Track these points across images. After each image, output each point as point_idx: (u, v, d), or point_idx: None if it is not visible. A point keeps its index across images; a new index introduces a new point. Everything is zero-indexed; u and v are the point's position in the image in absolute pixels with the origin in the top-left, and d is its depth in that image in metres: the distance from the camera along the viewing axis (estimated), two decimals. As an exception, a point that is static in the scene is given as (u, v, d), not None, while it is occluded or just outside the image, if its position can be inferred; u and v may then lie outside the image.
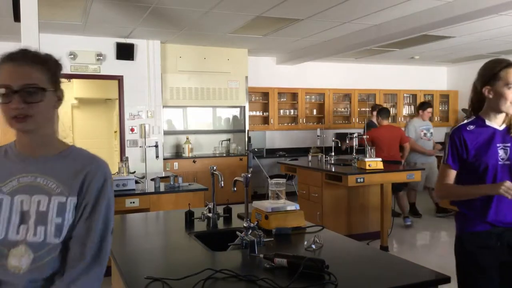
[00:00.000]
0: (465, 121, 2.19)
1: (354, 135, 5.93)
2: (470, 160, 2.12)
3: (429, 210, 7.50)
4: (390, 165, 5.82)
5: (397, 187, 6.22)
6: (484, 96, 2.12)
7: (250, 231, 2.09)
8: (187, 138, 7.76)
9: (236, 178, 2.34)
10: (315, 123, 9.10)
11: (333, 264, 1.75)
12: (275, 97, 8.69)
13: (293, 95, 8.98)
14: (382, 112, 6.49)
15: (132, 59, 6.95)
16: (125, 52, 6.85)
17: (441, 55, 8.64)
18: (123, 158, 5.98)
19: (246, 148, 7.40)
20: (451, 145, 2.17)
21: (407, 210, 6.47)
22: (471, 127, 2.16)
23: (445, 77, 10.58)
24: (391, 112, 9.91)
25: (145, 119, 7.10)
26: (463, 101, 9.96)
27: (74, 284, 1.31)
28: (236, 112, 8.19)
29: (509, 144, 2.11)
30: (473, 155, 2.12)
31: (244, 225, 2.12)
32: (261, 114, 8.79)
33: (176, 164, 7.34)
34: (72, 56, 6.62)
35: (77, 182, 1.39)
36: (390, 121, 6.72)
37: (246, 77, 7.98)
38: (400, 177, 5.48)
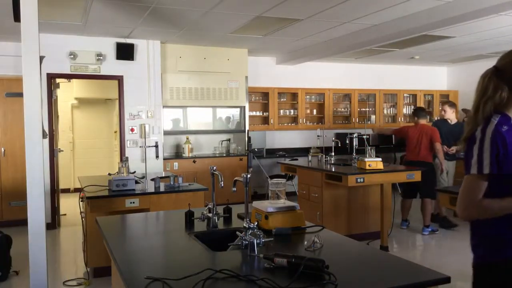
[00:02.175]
0: (494, 120, 1.79)
1: (354, 135, 5.93)
2: (506, 166, 1.73)
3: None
4: (408, 166, 5.78)
5: (428, 194, 5.96)
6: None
7: (250, 231, 2.09)
8: (187, 138, 7.76)
9: (236, 178, 2.34)
10: (315, 123, 9.10)
11: (333, 264, 1.75)
12: (275, 97, 8.69)
13: (293, 95, 8.98)
14: (415, 111, 6.35)
15: (132, 59, 6.95)
16: (125, 52, 6.85)
17: (441, 55, 8.64)
18: (123, 158, 5.99)
19: (246, 148, 7.39)
20: (492, 149, 1.73)
21: (429, 219, 6.11)
22: (505, 127, 1.76)
23: (445, 77, 10.58)
24: (390, 112, 9.93)
25: (145, 119, 7.10)
26: (463, 101, 9.95)
27: None
28: (236, 112, 8.19)
29: None
30: (510, 161, 1.73)
31: (244, 225, 2.12)
32: (261, 114, 8.79)
33: (176, 164, 7.34)
34: (72, 56, 6.62)
35: None
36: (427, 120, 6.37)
37: (246, 77, 7.98)
38: (400, 177, 5.48)
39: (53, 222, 6.60)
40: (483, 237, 1.85)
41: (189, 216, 2.65)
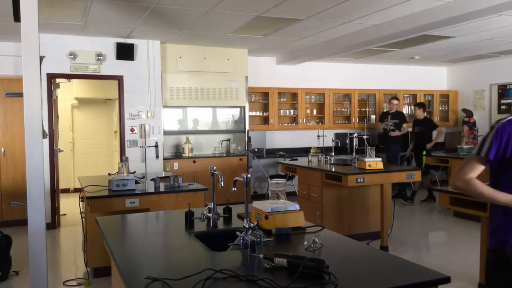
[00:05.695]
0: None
1: (354, 135, 5.94)
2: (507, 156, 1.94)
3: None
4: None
5: None
6: None
7: (250, 231, 2.09)
8: (187, 138, 7.76)
9: (236, 178, 2.34)
10: (315, 123, 9.10)
11: (333, 264, 1.75)
12: (275, 97, 8.69)
13: (293, 95, 8.98)
14: None
15: (132, 59, 6.95)
16: (125, 52, 6.85)
17: (441, 55, 8.64)
18: (123, 158, 5.98)
19: (246, 148, 7.40)
20: (495, 139, 1.96)
21: None
22: None
23: (445, 77, 10.58)
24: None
25: (145, 119, 7.10)
26: (463, 101, 9.97)
27: None
28: (236, 112, 8.19)
29: None
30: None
31: (244, 225, 2.12)
32: (261, 114, 8.79)
33: (176, 164, 7.34)
34: (72, 56, 6.62)
35: None
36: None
37: (246, 77, 7.98)
38: (400, 177, 5.48)
39: (53, 222, 6.60)
40: (495, 228, 2.06)
41: (189, 216, 2.65)
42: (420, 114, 8.13)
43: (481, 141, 2.01)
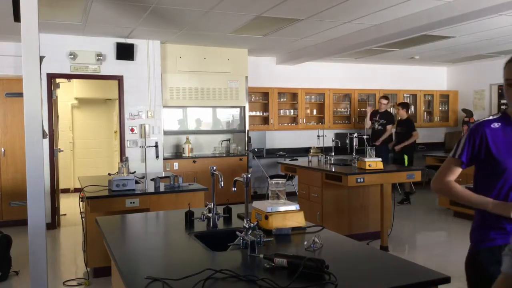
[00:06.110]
0: (490, 117, 1.96)
1: (354, 135, 5.94)
2: (487, 161, 1.92)
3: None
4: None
5: None
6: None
7: (250, 231, 2.09)
8: (187, 138, 7.76)
9: (236, 178, 2.34)
10: (315, 123, 9.10)
11: (333, 264, 1.75)
12: (275, 97, 8.69)
13: (293, 95, 8.98)
14: None
15: (132, 59, 6.95)
16: (125, 52, 6.85)
17: (441, 55, 8.64)
18: (123, 158, 5.99)
19: (246, 148, 7.42)
20: (469, 140, 1.95)
21: None
22: (496, 124, 1.93)
23: (445, 77, 10.58)
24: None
25: (145, 119, 7.10)
26: (463, 101, 9.97)
27: None
28: (236, 112, 8.19)
29: None
30: (493, 156, 1.90)
31: (244, 225, 2.12)
32: (261, 114, 8.79)
33: (176, 164, 7.34)
34: (72, 56, 6.62)
35: None
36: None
37: (246, 77, 7.98)
38: (400, 177, 5.48)
39: (53, 222, 6.60)
40: (473, 228, 2.06)
41: (189, 216, 2.65)
42: (403, 114, 8.04)
43: (457, 143, 2.00)
